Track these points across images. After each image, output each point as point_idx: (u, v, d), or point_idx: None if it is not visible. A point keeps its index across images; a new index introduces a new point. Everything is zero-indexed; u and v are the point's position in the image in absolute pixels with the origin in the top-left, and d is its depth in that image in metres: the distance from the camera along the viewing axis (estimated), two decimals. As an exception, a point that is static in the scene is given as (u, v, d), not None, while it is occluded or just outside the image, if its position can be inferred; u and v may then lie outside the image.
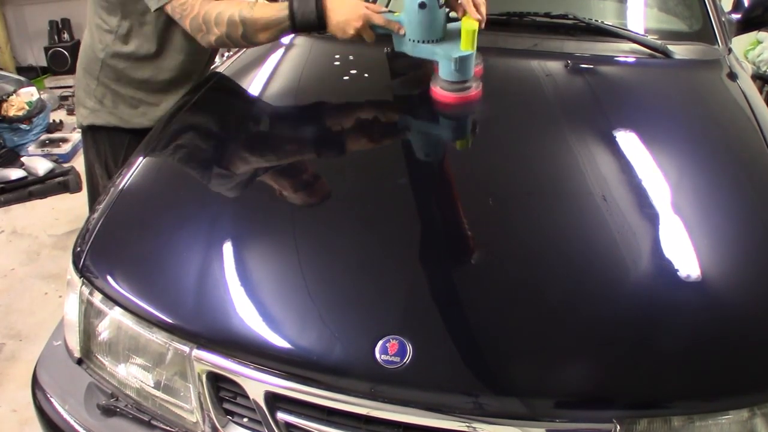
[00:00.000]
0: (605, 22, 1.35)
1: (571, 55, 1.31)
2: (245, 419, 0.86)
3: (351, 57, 1.39)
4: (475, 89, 1.15)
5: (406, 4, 1.08)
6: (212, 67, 1.48)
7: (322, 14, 1.06)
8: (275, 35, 1.11)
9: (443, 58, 1.09)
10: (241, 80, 1.38)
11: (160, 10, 1.14)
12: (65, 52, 3.93)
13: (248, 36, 1.10)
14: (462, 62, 1.08)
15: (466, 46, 1.07)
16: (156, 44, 1.25)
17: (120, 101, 1.30)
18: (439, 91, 1.15)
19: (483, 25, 1.13)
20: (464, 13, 1.09)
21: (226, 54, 1.93)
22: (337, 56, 1.39)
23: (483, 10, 1.10)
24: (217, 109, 1.31)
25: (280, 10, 1.08)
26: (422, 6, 1.05)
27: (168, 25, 1.22)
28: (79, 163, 2.76)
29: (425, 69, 1.22)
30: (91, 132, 1.34)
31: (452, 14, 1.15)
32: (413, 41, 1.10)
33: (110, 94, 1.29)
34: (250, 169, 1.15)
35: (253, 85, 1.35)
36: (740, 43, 3.03)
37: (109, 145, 1.33)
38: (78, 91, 1.34)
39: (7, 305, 1.98)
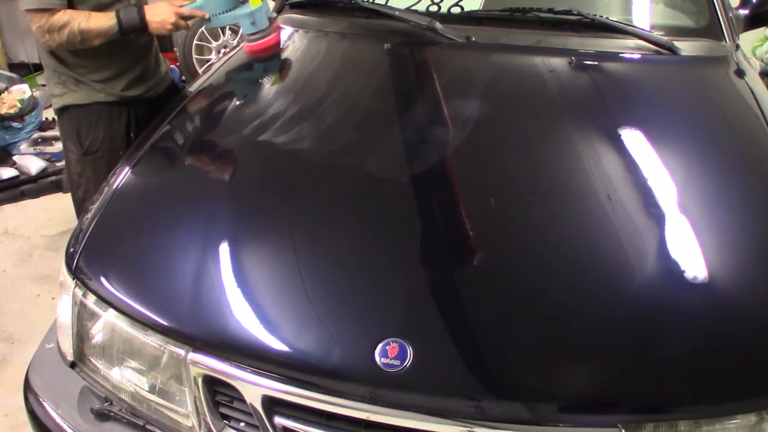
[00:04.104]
0: (610, 18, 1.33)
1: (575, 51, 1.29)
2: (242, 424, 0.84)
3: (341, 53, 1.38)
4: (275, 34, 1.41)
5: None
6: (207, 64, 1.50)
7: (143, 19, 1.37)
8: (106, 39, 1.40)
9: (241, 18, 1.37)
10: (236, 80, 1.37)
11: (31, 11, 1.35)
12: (58, 48, 3.89)
13: (85, 42, 1.38)
14: (256, 15, 1.37)
15: (255, 3, 1.36)
16: None
17: (79, 83, 1.48)
18: (248, 46, 1.41)
19: None
20: None
21: (222, 51, 1.92)
22: (333, 53, 1.38)
23: None
24: (212, 110, 1.29)
25: (110, 20, 1.36)
26: None
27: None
28: (73, 161, 2.72)
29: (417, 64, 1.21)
30: (65, 113, 1.52)
31: None
32: (216, 15, 1.38)
33: (70, 79, 1.48)
34: (247, 169, 1.13)
35: (248, 85, 1.34)
36: (748, 39, 3.02)
37: (82, 118, 1.50)
38: (48, 85, 1.55)
39: (-2, 307, 1.96)
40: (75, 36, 1.35)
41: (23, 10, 1.35)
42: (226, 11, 1.37)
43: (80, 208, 1.54)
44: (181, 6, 1.38)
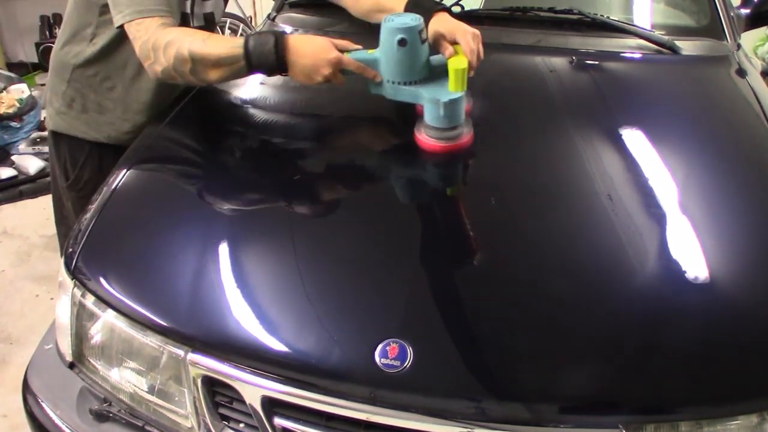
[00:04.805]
0: (611, 18, 1.33)
1: (575, 51, 1.29)
2: (241, 425, 0.84)
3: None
4: (467, 134, 1.01)
5: (382, 41, 0.94)
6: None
7: (282, 57, 0.92)
8: (230, 75, 0.98)
9: (429, 101, 0.94)
10: (235, 82, 1.36)
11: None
12: (58, 47, 3.88)
13: (198, 72, 0.97)
14: (451, 106, 0.93)
15: (456, 87, 0.92)
16: (131, 63, 1.18)
17: (89, 106, 1.25)
18: (424, 139, 0.99)
19: (472, 71, 0.99)
20: (452, 54, 0.98)
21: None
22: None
23: (477, 51, 0.98)
24: (212, 111, 1.29)
25: (235, 47, 0.94)
26: (402, 43, 0.92)
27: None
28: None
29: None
30: (54, 136, 1.32)
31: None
32: (393, 83, 0.96)
33: (79, 98, 1.24)
34: (247, 170, 1.12)
35: (247, 89, 1.33)
36: (749, 38, 3.01)
37: (69, 152, 1.30)
38: (47, 93, 1.30)
39: (-3, 307, 1.96)
40: (185, 62, 0.95)
41: (120, 27, 1.00)
42: (408, 82, 0.94)
43: (60, 224, 1.43)
44: (344, 52, 0.94)
